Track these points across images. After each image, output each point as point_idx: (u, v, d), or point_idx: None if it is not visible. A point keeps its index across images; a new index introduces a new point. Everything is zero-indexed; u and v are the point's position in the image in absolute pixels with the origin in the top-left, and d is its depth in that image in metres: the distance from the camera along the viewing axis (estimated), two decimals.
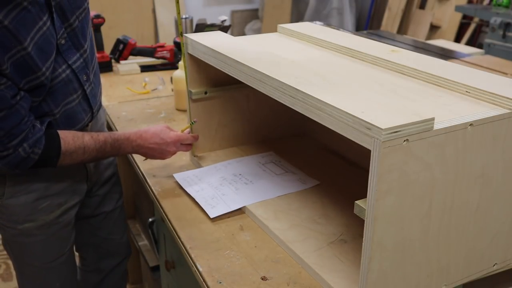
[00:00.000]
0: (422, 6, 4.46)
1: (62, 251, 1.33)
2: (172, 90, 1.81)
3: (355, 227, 1.05)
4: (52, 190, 1.23)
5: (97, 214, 1.47)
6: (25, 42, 1.00)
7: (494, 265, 0.95)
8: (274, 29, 1.44)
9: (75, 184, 1.29)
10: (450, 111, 0.82)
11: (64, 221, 1.29)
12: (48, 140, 1.09)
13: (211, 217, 1.11)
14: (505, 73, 2.10)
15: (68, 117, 1.17)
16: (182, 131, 1.30)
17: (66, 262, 1.36)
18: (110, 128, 1.70)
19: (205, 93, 1.29)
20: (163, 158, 1.26)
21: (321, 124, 0.81)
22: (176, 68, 2.01)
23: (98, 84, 1.29)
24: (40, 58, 1.04)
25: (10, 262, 2.31)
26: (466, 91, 0.91)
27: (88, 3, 1.20)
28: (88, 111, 1.23)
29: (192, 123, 1.30)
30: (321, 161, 1.35)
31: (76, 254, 1.55)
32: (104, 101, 1.83)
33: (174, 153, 1.26)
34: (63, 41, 1.12)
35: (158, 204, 1.20)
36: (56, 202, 1.25)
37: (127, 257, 1.64)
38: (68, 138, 1.12)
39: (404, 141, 0.71)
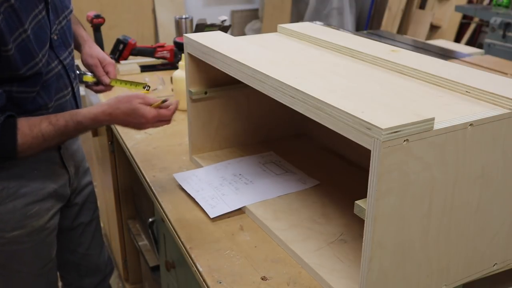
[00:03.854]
0: (422, 6, 4.46)
1: (50, 257, 1.33)
2: (172, 90, 1.81)
3: (355, 227, 1.05)
4: (40, 195, 1.23)
5: (75, 226, 1.47)
6: (26, 23, 1.03)
7: (494, 265, 0.95)
8: (274, 29, 1.44)
9: (60, 189, 1.29)
10: (450, 111, 0.82)
11: (51, 226, 1.29)
12: (2, 133, 1.06)
13: (211, 217, 1.11)
14: (505, 73, 2.10)
15: (60, 112, 1.17)
16: (155, 106, 1.14)
17: (53, 268, 1.36)
18: (110, 129, 1.71)
19: (205, 93, 1.29)
20: (139, 130, 1.18)
21: (321, 124, 0.81)
22: (176, 68, 2.01)
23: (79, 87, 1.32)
24: (37, 44, 1.07)
25: None
26: (466, 91, 0.91)
27: (72, 7, 1.25)
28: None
29: (163, 101, 1.15)
30: (321, 161, 1.35)
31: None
32: (104, 101, 1.83)
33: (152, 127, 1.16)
34: (55, 37, 1.15)
35: (158, 204, 1.20)
36: (44, 207, 1.25)
37: (109, 275, 1.64)
38: (25, 127, 1.07)
39: (404, 141, 0.71)
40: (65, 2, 1.20)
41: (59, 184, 1.28)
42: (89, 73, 1.33)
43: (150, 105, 1.12)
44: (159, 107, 1.13)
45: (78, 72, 1.29)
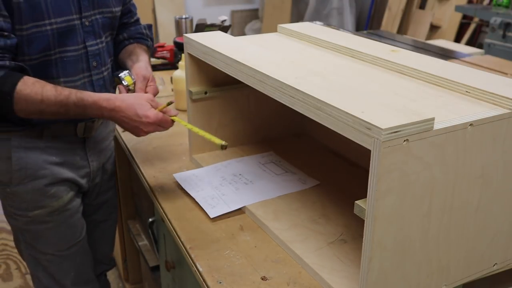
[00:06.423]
0: (422, 6, 4.47)
1: (75, 240, 1.35)
2: (172, 90, 1.81)
3: (355, 227, 1.05)
4: (58, 179, 1.26)
5: (88, 221, 1.48)
6: None
7: (494, 265, 0.95)
8: (274, 29, 1.44)
9: (78, 179, 1.32)
10: (450, 111, 0.82)
11: (72, 208, 1.31)
12: (7, 75, 1.05)
13: (211, 217, 1.11)
14: (505, 73, 2.10)
15: None
16: (160, 109, 1.13)
17: (79, 252, 1.38)
18: None
19: (205, 93, 1.29)
20: (136, 135, 1.14)
21: (321, 124, 0.81)
22: (176, 68, 2.01)
23: None
24: (52, 6, 1.12)
25: (10, 262, 2.31)
26: (466, 91, 0.91)
27: (116, 12, 1.32)
28: None
29: (168, 103, 1.13)
30: (321, 161, 1.35)
31: None
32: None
33: (150, 133, 1.13)
34: (87, 23, 1.21)
35: (158, 204, 1.20)
36: (62, 188, 1.28)
37: (107, 270, 1.66)
38: (30, 80, 1.07)
39: (404, 141, 0.71)
40: (107, 1, 1.24)
41: (78, 174, 1.31)
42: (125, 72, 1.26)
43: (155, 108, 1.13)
44: (163, 111, 1.13)
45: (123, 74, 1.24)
